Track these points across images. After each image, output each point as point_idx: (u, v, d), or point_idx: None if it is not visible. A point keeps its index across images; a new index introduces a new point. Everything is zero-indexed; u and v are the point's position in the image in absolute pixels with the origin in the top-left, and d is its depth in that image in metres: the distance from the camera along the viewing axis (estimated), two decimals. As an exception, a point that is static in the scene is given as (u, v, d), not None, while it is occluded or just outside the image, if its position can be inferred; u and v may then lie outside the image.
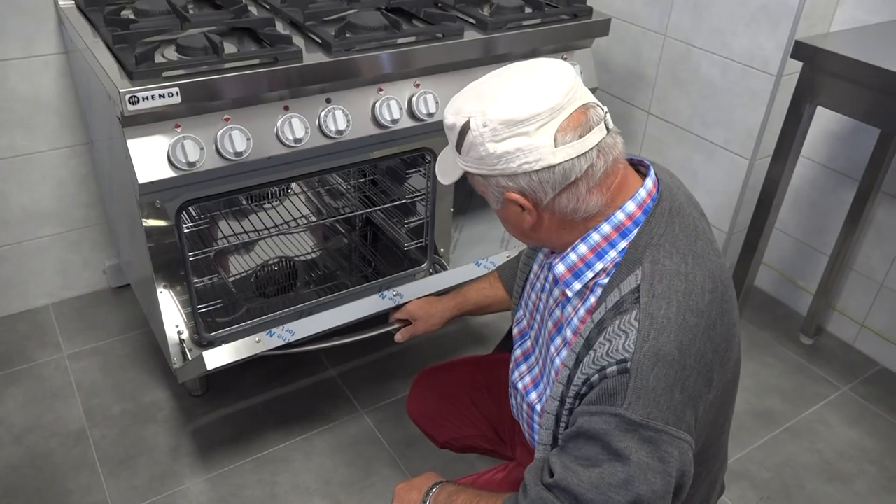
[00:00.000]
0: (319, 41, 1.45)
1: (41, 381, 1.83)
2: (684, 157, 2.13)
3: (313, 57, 1.40)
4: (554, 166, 0.83)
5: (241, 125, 1.34)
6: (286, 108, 1.39)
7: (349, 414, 1.79)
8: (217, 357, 1.34)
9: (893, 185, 1.84)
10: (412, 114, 1.52)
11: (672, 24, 2.03)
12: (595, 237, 0.90)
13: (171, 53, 1.35)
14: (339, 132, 1.43)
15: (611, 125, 0.87)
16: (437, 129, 1.55)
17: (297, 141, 1.39)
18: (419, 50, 1.48)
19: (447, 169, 0.94)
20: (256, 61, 1.34)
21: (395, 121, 1.49)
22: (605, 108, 0.87)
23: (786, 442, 1.78)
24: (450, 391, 1.37)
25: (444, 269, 1.83)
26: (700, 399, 0.84)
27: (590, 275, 0.92)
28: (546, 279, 1.06)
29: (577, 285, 0.93)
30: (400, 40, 1.49)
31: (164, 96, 1.23)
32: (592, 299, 0.92)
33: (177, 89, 1.23)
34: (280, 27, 1.52)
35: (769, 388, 1.92)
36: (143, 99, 1.21)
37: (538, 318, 1.08)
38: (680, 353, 0.82)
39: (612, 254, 0.90)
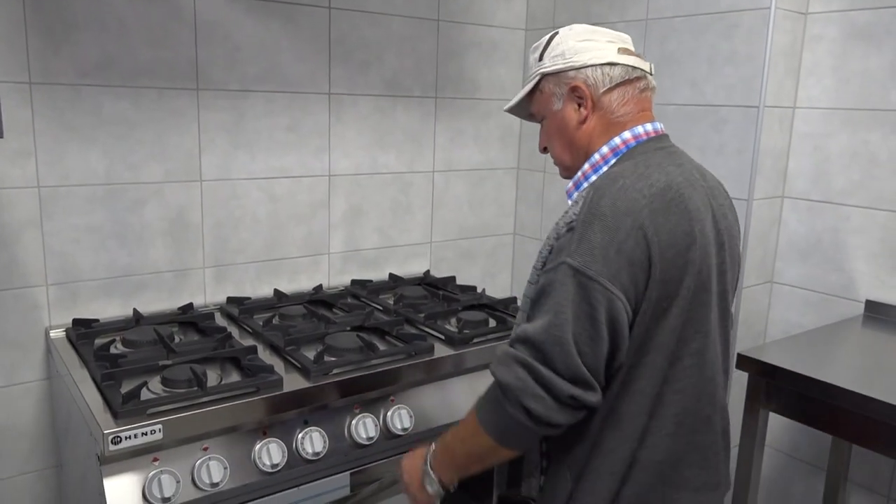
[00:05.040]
0: (299, 366, 1.54)
1: None
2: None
3: (293, 382, 1.47)
4: (616, 64, 1.11)
5: (219, 454, 1.36)
6: (264, 433, 1.43)
7: None
8: None
9: (859, 473, 1.88)
10: (387, 430, 1.56)
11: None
12: (596, 157, 1.13)
13: (156, 385, 1.41)
14: (316, 454, 1.45)
15: (653, 82, 1.17)
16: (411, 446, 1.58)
17: (273, 466, 1.40)
18: (393, 370, 1.57)
19: (516, 99, 1.22)
20: (238, 392, 1.40)
21: (370, 438, 1.52)
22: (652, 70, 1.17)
23: None
24: None
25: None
26: (638, 267, 0.98)
27: (587, 187, 1.09)
28: None
29: (577, 194, 1.11)
30: (374, 361, 1.59)
31: (146, 434, 1.26)
32: None
33: (160, 426, 1.27)
34: (261, 350, 1.62)
35: None
36: (126, 438, 1.24)
37: None
38: (615, 215, 0.99)
39: (605, 169, 1.11)
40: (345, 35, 2.05)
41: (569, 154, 1.17)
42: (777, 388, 1.52)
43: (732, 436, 1.94)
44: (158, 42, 1.76)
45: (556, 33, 1.17)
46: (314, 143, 2.05)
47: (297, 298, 1.97)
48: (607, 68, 1.11)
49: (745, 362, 1.53)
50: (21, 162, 1.64)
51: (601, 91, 1.12)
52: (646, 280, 0.99)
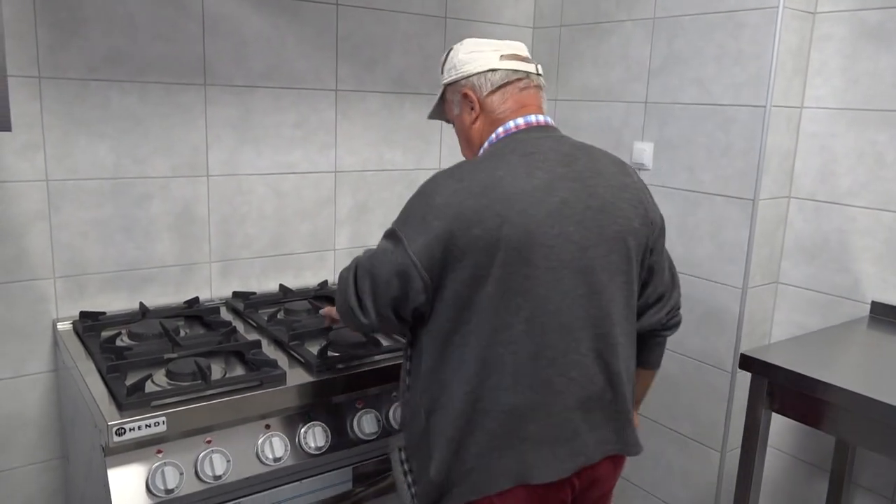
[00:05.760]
0: (302, 360, 1.55)
1: None
2: (658, 452, 2.17)
3: (297, 376, 1.48)
4: (497, 69, 1.29)
5: (222, 447, 1.37)
6: (267, 427, 1.44)
7: None
8: None
9: (863, 476, 1.88)
10: (390, 425, 1.57)
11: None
12: (480, 151, 1.30)
13: (160, 378, 1.42)
14: (319, 448, 1.46)
15: (542, 83, 1.34)
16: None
17: (276, 460, 1.41)
18: (397, 366, 1.57)
19: (432, 108, 1.43)
20: (242, 385, 1.41)
21: (373, 434, 1.53)
22: (541, 71, 1.34)
23: None
24: None
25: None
26: (436, 239, 1.14)
27: None
28: None
29: None
30: (378, 357, 1.60)
31: (150, 426, 1.27)
32: None
33: (164, 418, 1.28)
34: (265, 344, 1.63)
35: None
36: (130, 430, 1.25)
37: None
38: (431, 194, 1.19)
39: None
40: (352, 32, 2.05)
41: (469, 150, 1.37)
42: (781, 388, 1.52)
43: (734, 436, 1.95)
44: (166, 37, 1.77)
45: (452, 48, 1.36)
46: (321, 140, 2.06)
47: (302, 294, 1.98)
48: (489, 74, 1.29)
49: (748, 363, 1.53)
50: (29, 155, 1.65)
51: (484, 94, 1.30)
52: (442, 250, 1.15)
